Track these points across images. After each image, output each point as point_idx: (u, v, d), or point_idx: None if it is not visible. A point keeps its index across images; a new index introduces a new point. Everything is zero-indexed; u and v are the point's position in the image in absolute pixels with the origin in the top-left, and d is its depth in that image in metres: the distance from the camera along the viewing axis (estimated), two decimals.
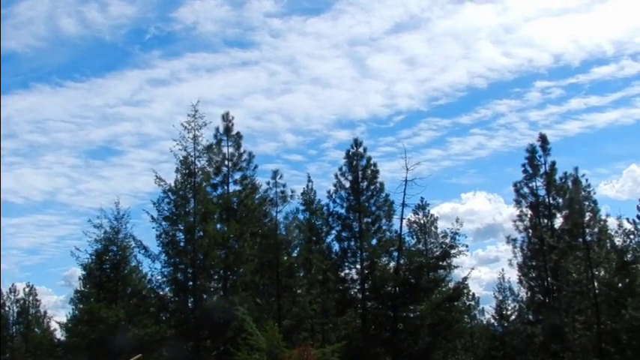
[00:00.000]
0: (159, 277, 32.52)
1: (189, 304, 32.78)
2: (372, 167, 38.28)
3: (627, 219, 45.52)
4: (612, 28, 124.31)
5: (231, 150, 36.57)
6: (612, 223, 44.14)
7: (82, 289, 40.70)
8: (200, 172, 33.10)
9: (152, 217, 32.11)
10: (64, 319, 41.30)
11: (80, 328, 35.21)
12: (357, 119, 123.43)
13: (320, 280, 38.00)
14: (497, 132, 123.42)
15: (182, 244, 32.54)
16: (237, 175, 36.57)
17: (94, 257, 36.05)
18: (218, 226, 33.89)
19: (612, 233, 44.10)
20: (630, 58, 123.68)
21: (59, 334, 43.64)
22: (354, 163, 38.29)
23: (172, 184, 32.52)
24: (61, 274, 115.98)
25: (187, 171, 32.57)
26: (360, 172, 38.13)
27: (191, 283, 32.33)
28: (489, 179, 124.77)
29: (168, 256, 32.29)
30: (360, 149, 38.52)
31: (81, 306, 39.20)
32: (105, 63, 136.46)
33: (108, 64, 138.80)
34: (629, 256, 41.87)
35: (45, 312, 62.07)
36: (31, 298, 61.28)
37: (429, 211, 48.35)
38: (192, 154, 32.62)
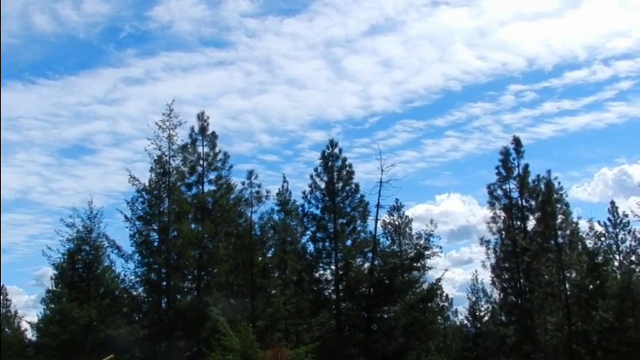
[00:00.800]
0: (132, 277, 32.43)
1: (163, 305, 32.56)
2: (347, 168, 38.32)
3: (598, 222, 46.40)
4: (585, 33, 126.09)
5: (206, 150, 36.46)
6: (584, 226, 44.88)
7: (54, 288, 40.11)
8: (175, 172, 32.97)
9: (126, 217, 31.95)
10: (35, 319, 40.62)
11: (52, 328, 34.84)
12: (333, 120, 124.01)
13: (294, 281, 37.98)
14: (471, 134, 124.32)
15: (156, 243, 32.36)
16: (212, 175, 36.45)
17: (66, 257, 35.69)
18: (192, 226, 33.79)
19: (584, 236, 44.82)
20: (602, 63, 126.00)
21: (30, 335, 42.92)
22: (330, 164, 38.29)
23: (146, 184, 32.35)
24: (33, 274, 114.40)
25: (162, 170, 32.40)
26: (335, 173, 38.14)
27: (165, 283, 32.17)
28: (463, 181, 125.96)
29: (141, 255, 32.10)
30: (336, 150, 38.56)
31: (52, 306, 38.68)
32: (79, 61, 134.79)
33: (82, 62, 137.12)
34: (599, 258, 42.55)
35: (16, 312, 60.99)
36: (1, 297, 60.26)
37: (403, 212, 48.87)
38: (166, 153, 32.55)
